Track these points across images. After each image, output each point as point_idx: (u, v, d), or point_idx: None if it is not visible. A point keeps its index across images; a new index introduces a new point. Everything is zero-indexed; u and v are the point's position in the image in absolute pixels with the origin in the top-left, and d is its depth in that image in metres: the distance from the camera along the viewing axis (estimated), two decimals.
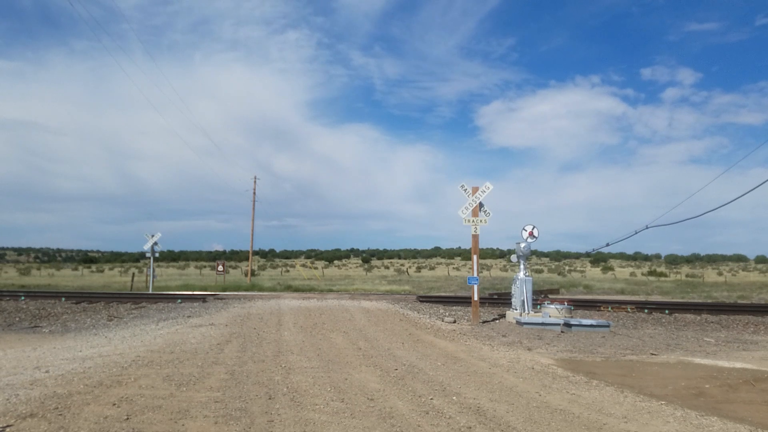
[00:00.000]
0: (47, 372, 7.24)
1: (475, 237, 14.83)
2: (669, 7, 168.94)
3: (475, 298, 14.73)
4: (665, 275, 53.56)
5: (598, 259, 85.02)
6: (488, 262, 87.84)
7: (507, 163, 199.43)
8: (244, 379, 7.03)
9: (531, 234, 15.39)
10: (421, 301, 19.57)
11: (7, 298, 19.25)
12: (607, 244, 17.89)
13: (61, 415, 5.26)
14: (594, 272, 60.32)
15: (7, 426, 4.92)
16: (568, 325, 13.24)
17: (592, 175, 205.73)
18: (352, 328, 12.23)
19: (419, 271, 62.43)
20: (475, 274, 14.85)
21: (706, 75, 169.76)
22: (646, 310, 17.24)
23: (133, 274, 37.67)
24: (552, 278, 43.39)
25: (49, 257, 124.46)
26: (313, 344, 10.02)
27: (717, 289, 30.88)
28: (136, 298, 19.71)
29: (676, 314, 16.76)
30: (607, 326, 13.31)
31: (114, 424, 5.05)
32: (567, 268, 69.55)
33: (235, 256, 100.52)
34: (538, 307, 15.43)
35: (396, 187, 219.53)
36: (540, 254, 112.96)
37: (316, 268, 59.35)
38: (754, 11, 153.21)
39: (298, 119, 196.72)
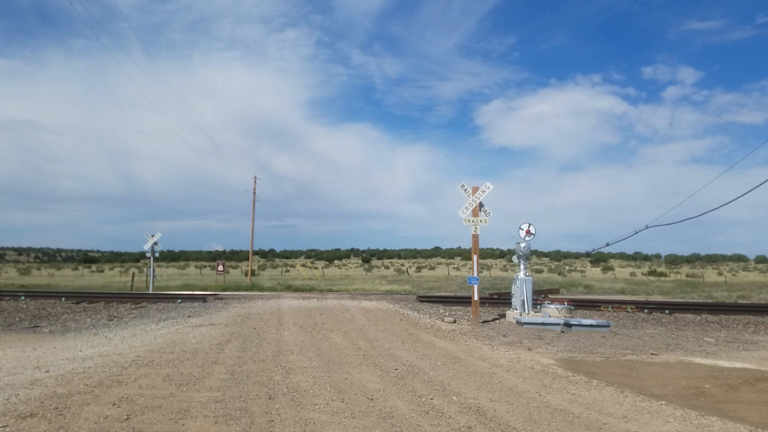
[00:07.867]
0: (47, 372, 7.24)
1: (475, 237, 14.84)
2: (670, 6, 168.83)
3: (475, 298, 14.73)
4: (665, 275, 53.58)
5: (598, 259, 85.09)
6: (488, 262, 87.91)
7: (507, 162, 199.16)
8: (244, 378, 7.03)
9: (528, 232, 15.38)
10: (421, 301, 19.57)
11: (7, 298, 19.25)
12: (607, 244, 17.94)
13: (61, 415, 5.26)
14: (594, 272, 60.34)
15: (7, 426, 4.92)
16: (568, 325, 13.25)
17: (593, 174, 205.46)
18: (352, 328, 12.23)
19: (419, 271, 62.45)
20: (475, 274, 14.85)
21: (707, 74, 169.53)
22: (646, 310, 17.24)
23: (133, 274, 37.67)
24: (552, 278, 43.39)
25: (49, 257, 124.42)
26: (313, 344, 10.02)
27: (717, 289, 30.88)
28: (136, 297, 19.71)
29: (676, 314, 16.75)
30: (607, 326, 13.32)
31: (114, 424, 5.05)
32: (567, 268, 69.58)
33: (235, 256, 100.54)
34: (538, 307, 15.43)
35: (396, 187, 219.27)
36: (540, 254, 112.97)
37: (316, 268, 59.36)
38: (755, 10, 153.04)
39: (297, 119, 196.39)
